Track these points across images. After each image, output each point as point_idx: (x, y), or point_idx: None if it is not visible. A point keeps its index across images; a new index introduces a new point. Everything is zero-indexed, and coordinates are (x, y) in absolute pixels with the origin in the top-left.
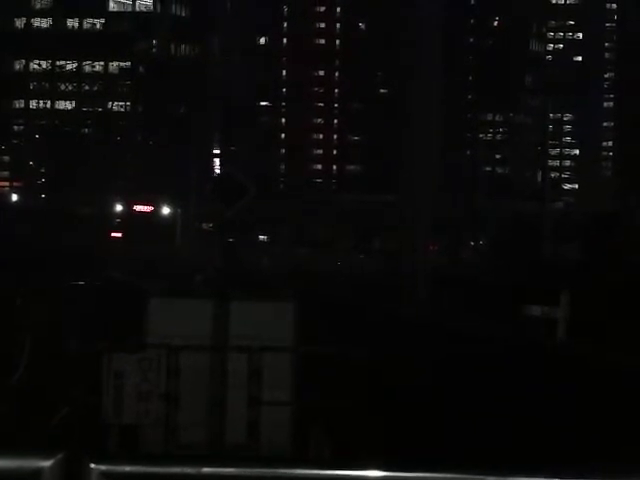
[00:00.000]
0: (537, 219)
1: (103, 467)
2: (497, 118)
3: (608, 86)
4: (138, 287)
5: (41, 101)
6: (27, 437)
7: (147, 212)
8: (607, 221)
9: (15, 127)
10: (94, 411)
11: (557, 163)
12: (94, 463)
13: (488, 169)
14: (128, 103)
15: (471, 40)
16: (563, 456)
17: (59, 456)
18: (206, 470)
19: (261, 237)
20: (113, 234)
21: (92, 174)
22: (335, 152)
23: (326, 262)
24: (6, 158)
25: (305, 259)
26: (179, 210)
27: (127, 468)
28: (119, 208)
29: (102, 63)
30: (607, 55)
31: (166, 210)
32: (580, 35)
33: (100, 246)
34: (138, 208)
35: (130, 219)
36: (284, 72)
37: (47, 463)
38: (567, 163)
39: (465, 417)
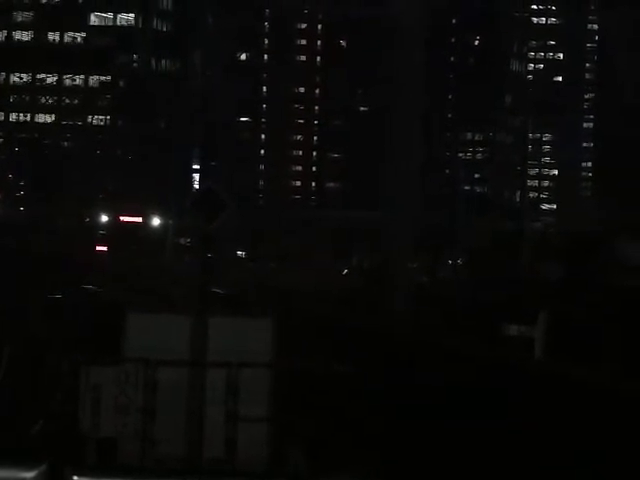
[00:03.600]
0: (516, 238)
1: (85, 479)
2: (477, 137)
3: (588, 106)
4: (115, 301)
5: (21, 114)
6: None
7: (135, 223)
8: (586, 241)
9: None
10: (74, 423)
11: (536, 183)
12: (76, 475)
13: (467, 188)
14: (108, 117)
15: (452, 59)
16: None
17: (42, 468)
18: None
19: (239, 253)
20: (98, 247)
21: (71, 187)
22: (315, 169)
23: (305, 278)
24: None
25: (283, 275)
26: (170, 221)
27: None
28: (104, 220)
29: (83, 77)
30: (587, 76)
31: (156, 221)
32: (561, 55)
33: (80, 259)
34: (125, 219)
35: (115, 231)
36: (265, 88)
37: (30, 474)
38: (546, 183)
39: (444, 433)
